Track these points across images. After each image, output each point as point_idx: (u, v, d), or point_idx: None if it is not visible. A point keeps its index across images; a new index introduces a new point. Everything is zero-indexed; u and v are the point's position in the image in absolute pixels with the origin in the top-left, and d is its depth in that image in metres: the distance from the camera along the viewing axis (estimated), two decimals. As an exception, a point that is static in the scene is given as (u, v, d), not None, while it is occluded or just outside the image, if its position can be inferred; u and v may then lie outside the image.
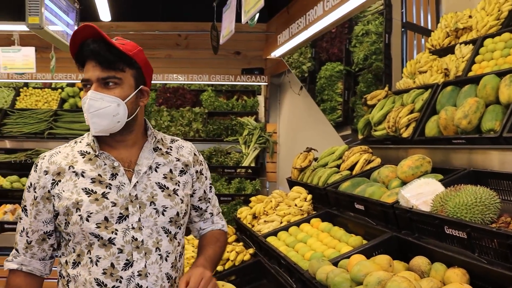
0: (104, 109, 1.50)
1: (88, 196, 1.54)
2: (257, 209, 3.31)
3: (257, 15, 2.85)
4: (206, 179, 1.82)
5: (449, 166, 2.60)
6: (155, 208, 1.58)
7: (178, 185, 1.66)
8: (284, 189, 3.72)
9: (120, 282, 1.53)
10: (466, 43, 3.32)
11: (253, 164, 5.52)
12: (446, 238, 1.84)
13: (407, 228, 2.12)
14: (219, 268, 2.85)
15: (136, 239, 1.55)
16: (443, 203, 1.86)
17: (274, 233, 2.83)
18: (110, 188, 1.56)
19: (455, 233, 1.76)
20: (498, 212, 1.84)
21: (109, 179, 1.57)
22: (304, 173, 3.42)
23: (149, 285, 1.55)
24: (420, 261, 1.83)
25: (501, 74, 2.58)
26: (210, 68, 6.10)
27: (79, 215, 1.53)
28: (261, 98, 6.05)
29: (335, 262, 2.01)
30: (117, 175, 1.58)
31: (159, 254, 1.58)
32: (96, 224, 1.53)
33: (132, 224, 1.55)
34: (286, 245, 2.60)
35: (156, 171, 1.64)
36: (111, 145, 1.62)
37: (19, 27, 4.10)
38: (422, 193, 2.03)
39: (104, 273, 1.53)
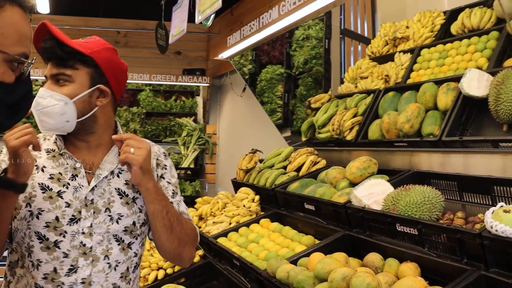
0: (51, 107, 1.44)
1: (43, 192, 1.48)
2: (204, 210, 3.31)
3: (213, 15, 2.86)
4: (168, 184, 1.61)
5: (391, 167, 2.74)
6: (109, 215, 1.50)
7: (139, 193, 1.55)
8: (225, 190, 3.73)
9: (67, 287, 1.45)
10: (404, 51, 3.51)
11: (192, 166, 5.48)
12: (397, 235, 1.94)
13: (358, 226, 2.21)
14: (169, 270, 2.82)
15: (85, 245, 1.47)
16: (395, 202, 1.97)
17: (224, 234, 2.84)
18: (67, 188, 1.49)
19: (406, 229, 1.86)
20: (443, 210, 1.97)
21: (69, 179, 1.51)
22: (250, 174, 3.46)
23: None
24: (374, 257, 1.92)
25: (438, 82, 2.77)
26: (151, 67, 5.99)
27: (29, 211, 1.46)
28: (199, 99, 6.03)
29: (293, 261, 2.06)
30: (77, 176, 1.52)
31: (108, 263, 1.49)
32: (46, 222, 1.45)
33: (82, 229, 1.47)
34: (238, 246, 2.62)
35: (118, 176, 1.56)
36: (75, 146, 1.56)
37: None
38: (373, 193, 2.13)
39: (45, 278, 1.45)
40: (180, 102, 6.26)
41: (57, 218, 1.46)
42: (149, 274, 2.80)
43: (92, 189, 1.51)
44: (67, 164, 1.53)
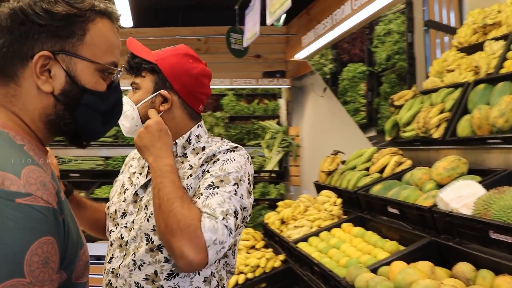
0: (126, 112, 1.55)
1: (119, 188, 1.69)
2: (285, 214, 3.26)
3: (284, 16, 2.81)
4: (210, 176, 1.45)
5: (484, 167, 2.52)
6: (146, 213, 1.52)
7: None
8: (309, 192, 3.66)
9: (105, 273, 1.58)
10: (496, 39, 3.22)
11: (276, 168, 5.47)
12: (491, 243, 1.76)
13: (446, 232, 2.05)
14: (249, 275, 2.81)
15: (123, 238, 1.56)
16: (487, 206, 1.79)
17: (305, 238, 2.78)
18: (131, 185, 1.64)
19: (502, 237, 1.68)
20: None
21: (135, 177, 1.66)
22: (332, 177, 3.36)
23: (118, 286, 1.51)
24: (464, 267, 1.75)
25: (537, 70, 2.50)
26: (231, 72, 6.08)
27: (109, 204, 1.71)
28: (282, 101, 6.00)
29: (373, 269, 1.95)
30: (140, 175, 1.65)
31: (133, 260, 1.49)
32: (110, 214, 1.65)
33: (126, 223, 1.57)
34: (319, 251, 2.54)
35: None
36: None
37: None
38: (462, 196, 1.96)
39: (103, 262, 1.64)
40: (263, 105, 6.27)
41: (115, 211, 1.63)
42: (229, 279, 2.80)
43: (145, 187, 1.58)
44: (142, 164, 1.67)
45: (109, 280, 1.53)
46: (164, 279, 1.44)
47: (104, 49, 1.05)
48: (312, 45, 3.55)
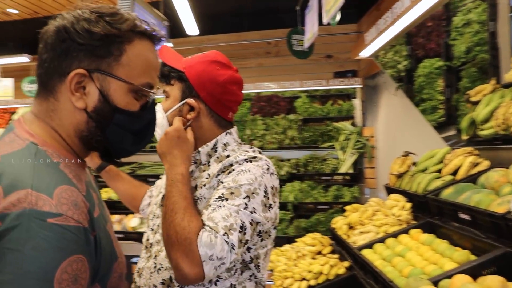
0: (158, 120, 1.53)
1: (156, 192, 1.75)
2: (353, 218, 3.13)
3: (339, 14, 2.70)
4: (222, 188, 1.39)
5: None
6: None
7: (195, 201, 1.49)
8: (384, 196, 3.49)
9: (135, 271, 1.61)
10: None
11: (350, 170, 5.30)
12: None
13: (522, 242, 1.83)
14: (312, 282, 2.72)
15: (148, 240, 1.60)
16: None
17: (370, 245, 2.64)
18: (163, 189, 1.62)
19: None
20: None
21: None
22: (402, 179, 3.18)
23: (140, 286, 1.54)
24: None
25: None
26: (302, 74, 6.00)
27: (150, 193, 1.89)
28: (357, 101, 5.81)
29: (435, 281, 1.79)
30: None
31: (154, 263, 1.51)
32: (148, 215, 1.72)
33: (153, 226, 1.60)
34: (383, 259, 2.40)
35: (195, 187, 1.55)
36: None
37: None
38: (539, 202, 1.74)
39: None
40: (337, 105, 6.12)
41: (148, 214, 1.70)
42: (291, 285, 2.73)
43: None
44: None
45: (134, 278, 1.58)
46: (178, 286, 1.42)
47: (140, 70, 1.05)
48: (374, 42, 3.37)
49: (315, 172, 5.42)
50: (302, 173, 5.48)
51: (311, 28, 3.43)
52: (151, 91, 1.10)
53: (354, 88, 5.71)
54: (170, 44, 4.54)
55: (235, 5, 5.99)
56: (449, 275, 1.80)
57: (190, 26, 4.39)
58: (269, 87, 5.67)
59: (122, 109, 1.04)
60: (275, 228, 1.50)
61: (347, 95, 6.04)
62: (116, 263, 1.07)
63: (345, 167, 5.34)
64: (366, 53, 3.73)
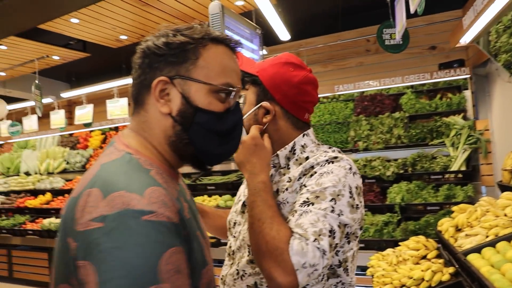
0: None
1: (236, 199, 1.72)
2: (460, 220, 2.86)
3: (424, 2, 2.49)
4: (306, 191, 1.36)
5: None
6: None
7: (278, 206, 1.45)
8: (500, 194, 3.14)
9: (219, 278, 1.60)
10: None
11: (463, 168, 4.87)
12: None
13: None
14: (413, 290, 2.52)
15: (231, 247, 1.60)
16: None
17: (478, 249, 2.38)
18: (243, 196, 1.63)
19: None
20: None
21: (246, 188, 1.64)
22: (517, 175, 2.84)
23: None
24: None
25: None
26: (405, 69, 5.69)
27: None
28: (468, 93, 5.35)
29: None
30: None
31: (237, 269, 1.51)
32: (227, 223, 1.69)
33: (234, 233, 1.60)
34: (491, 265, 2.14)
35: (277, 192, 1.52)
36: None
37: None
38: None
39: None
40: (446, 99, 5.70)
41: (229, 222, 1.66)
42: (390, 293, 2.56)
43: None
44: None
45: (219, 286, 1.57)
46: None
47: (217, 71, 1.11)
48: (474, 26, 3.05)
49: (424, 171, 5.07)
50: (409, 173, 5.16)
51: (400, 19, 3.22)
52: (233, 89, 1.13)
53: (465, 78, 5.27)
54: (264, 52, 4.57)
55: (327, 7, 5.89)
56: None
57: (281, 32, 4.39)
58: (370, 86, 5.45)
59: (204, 109, 1.09)
60: (361, 229, 1.44)
61: (457, 87, 5.59)
62: (204, 269, 1.09)
63: (457, 164, 4.93)
64: (466, 39, 3.40)
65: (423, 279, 2.52)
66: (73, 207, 0.94)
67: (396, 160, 5.40)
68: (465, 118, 5.28)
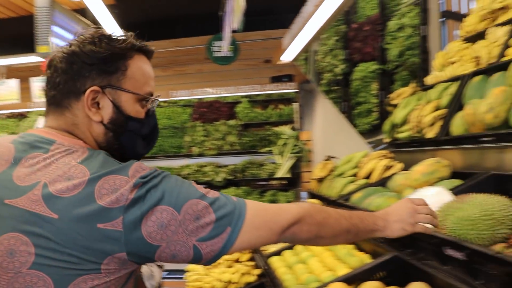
0: None
1: None
2: (272, 225, 3.03)
3: (243, 20, 2.63)
4: None
5: (478, 169, 2.21)
6: None
7: None
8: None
9: None
10: (502, 24, 2.88)
11: (288, 175, 5.23)
12: (448, 261, 1.49)
13: (412, 247, 1.77)
14: (221, 292, 2.60)
15: None
16: (444, 217, 1.51)
17: (280, 251, 2.55)
18: None
19: (455, 255, 1.41)
20: (517, 226, 1.47)
21: None
22: (323, 184, 3.11)
23: None
24: (418, 287, 1.49)
25: (534, 57, 2.17)
26: (242, 79, 5.92)
27: None
28: (296, 106, 5.77)
29: (319, 290, 1.71)
30: None
31: None
32: None
33: None
34: (287, 266, 2.31)
35: None
36: None
37: (30, 59, 4.34)
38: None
39: None
40: (278, 110, 6.06)
41: None
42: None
43: None
44: None
45: None
46: None
47: (142, 81, 1.20)
48: (291, 47, 3.30)
49: (252, 178, 5.33)
50: (239, 178, 5.37)
51: (228, 33, 3.34)
52: (155, 98, 1.24)
53: (295, 92, 5.66)
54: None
55: (168, 11, 5.87)
56: (329, 282, 1.72)
57: (116, 32, 4.23)
58: (206, 93, 5.56)
59: (134, 117, 1.18)
60: None
61: (288, 100, 5.99)
62: None
63: (282, 171, 5.27)
64: (287, 57, 3.65)
65: (230, 281, 2.61)
66: (85, 198, 1.00)
67: (227, 166, 5.58)
68: (293, 129, 5.67)
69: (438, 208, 1.60)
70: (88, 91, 1.12)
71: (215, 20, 5.63)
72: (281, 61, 3.86)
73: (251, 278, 2.61)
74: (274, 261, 2.41)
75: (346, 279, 1.72)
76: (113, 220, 0.98)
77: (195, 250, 1.05)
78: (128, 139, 1.19)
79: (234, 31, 3.67)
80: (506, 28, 2.79)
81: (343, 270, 1.91)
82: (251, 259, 3.05)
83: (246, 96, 6.09)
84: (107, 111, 1.15)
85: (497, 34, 2.81)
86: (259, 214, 1.14)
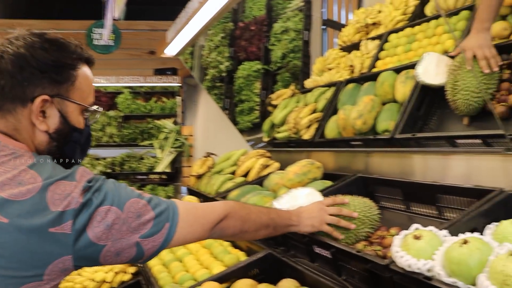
0: None
1: None
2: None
3: (124, 9, 2.54)
4: None
5: (348, 171, 2.37)
6: None
7: None
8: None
9: None
10: (373, 38, 3.13)
11: (168, 170, 5.16)
12: (317, 258, 1.57)
13: (284, 244, 1.85)
14: (92, 292, 2.49)
15: None
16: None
17: (157, 249, 2.50)
18: None
19: (323, 252, 1.49)
20: (378, 225, 1.60)
21: None
22: (202, 180, 3.11)
23: None
24: (287, 284, 1.55)
25: (399, 70, 2.38)
26: (126, 69, 5.71)
27: None
28: (179, 100, 5.71)
29: (193, 289, 1.71)
30: None
31: None
32: None
33: None
34: (163, 264, 2.27)
35: None
36: None
37: None
38: (297, 206, 1.76)
39: None
40: (161, 103, 5.94)
41: None
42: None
43: None
44: None
45: None
46: None
47: (87, 92, 1.19)
48: (174, 41, 3.26)
49: (131, 171, 5.17)
50: (117, 172, 5.18)
51: (109, 21, 3.20)
52: (98, 109, 1.25)
53: (179, 86, 5.59)
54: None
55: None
56: (202, 281, 1.73)
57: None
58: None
59: (78, 127, 1.18)
60: None
61: (172, 93, 5.91)
62: None
63: (162, 166, 5.19)
64: (170, 51, 3.58)
65: (104, 281, 2.51)
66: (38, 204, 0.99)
67: (105, 159, 5.35)
68: (175, 123, 5.60)
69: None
70: (38, 100, 1.09)
71: (98, 4, 5.37)
72: (163, 55, 3.78)
73: (126, 277, 2.53)
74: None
75: (220, 278, 1.74)
76: (63, 223, 1.00)
77: (138, 247, 1.09)
78: (71, 149, 1.19)
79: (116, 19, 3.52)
80: (376, 42, 3.03)
81: (218, 268, 1.92)
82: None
83: (128, 87, 5.89)
84: (53, 120, 1.13)
85: (369, 47, 3.04)
86: (191, 211, 1.21)
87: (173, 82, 5.15)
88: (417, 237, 1.08)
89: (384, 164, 2.11)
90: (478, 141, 1.71)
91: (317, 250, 1.52)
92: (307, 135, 2.76)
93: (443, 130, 2.04)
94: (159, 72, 5.39)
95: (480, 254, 0.95)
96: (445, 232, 1.12)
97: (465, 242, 0.97)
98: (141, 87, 5.91)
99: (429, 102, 2.12)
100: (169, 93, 5.91)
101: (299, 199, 1.78)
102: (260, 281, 1.75)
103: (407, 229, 1.47)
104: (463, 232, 1.15)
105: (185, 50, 3.74)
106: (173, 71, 5.38)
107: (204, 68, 5.55)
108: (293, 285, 1.53)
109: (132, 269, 2.58)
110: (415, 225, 1.17)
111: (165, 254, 2.37)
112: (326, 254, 1.47)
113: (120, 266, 2.60)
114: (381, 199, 1.92)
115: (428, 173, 1.85)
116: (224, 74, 5.35)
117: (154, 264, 2.25)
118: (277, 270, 1.80)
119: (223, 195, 2.57)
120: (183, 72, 5.42)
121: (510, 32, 2.08)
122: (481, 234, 1.11)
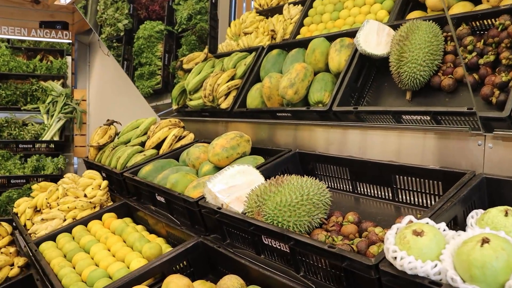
0: None
1: None
2: (39, 200, 2.53)
3: None
4: None
5: (274, 145, 2.16)
6: None
7: None
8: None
9: None
10: (295, 3, 2.92)
11: (56, 138, 4.58)
12: (265, 250, 1.35)
13: (217, 231, 1.60)
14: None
15: None
16: (260, 202, 1.36)
17: (53, 236, 2.11)
18: None
19: (276, 244, 1.27)
20: (329, 210, 1.41)
21: None
22: (103, 152, 2.73)
23: None
24: (230, 283, 1.31)
25: (331, 37, 2.20)
26: (4, 19, 4.91)
27: None
28: (69, 60, 5.07)
29: (112, 291, 1.40)
30: None
31: None
32: None
33: None
34: (64, 256, 1.90)
35: None
36: None
37: None
38: (235, 186, 1.51)
39: None
40: (47, 62, 5.24)
41: None
42: None
43: None
44: None
45: None
46: None
47: None
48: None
49: (12, 140, 4.51)
50: (-5, 140, 4.50)
51: None
52: None
53: (69, 44, 4.96)
54: None
55: None
56: (125, 283, 1.42)
57: None
58: None
59: None
60: None
61: (60, 51, 5.23)
62: None
63: (50, 134, 4.61)
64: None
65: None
66: None
67: (-21, 124, 4.62)
68: (64, 85, 4.99)
69: (251, 190, 1.44)
70: None
71: None
72: (57, 2, 3.23)
73: (13, 271, 2.11)
74: (47, 249, 1.97)
75: (141, 275, 1.44)
76: None
77: None
78: None
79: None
80: (299, 7, 2.83)
81: (138, 261, 1.62)
82: (12, 243, 2.51)
83: (6, 40, 5.10)
84: None
85: (292, 12, 2.83)
86: None
87: (63, 39, 4.53)
88: (418, 233, 0.90)
89: (319, 139, 1.93)
90: (427, 117, 1.59)
91: (267, 241, 1.29)
92: (225, 104, 2.51)
93: (382, 104, 1.90)
94: (47, 25, 4.71)
95: (507, 255, 0.78)
96: (443, 225, 0.95)
97: (486, 240, 0.80)
98: (23, 41, 5.15)
99: (367, 73, 1.97)
100: (58, 51, 5.22)
101: (236, 178, 1.53)
102: (189, 275, 1.50)
103: (359, 212, 1.30)
104: (445, 222, 1.00)
105: (80, 1, 3.23)
106: (64, 25, 4.74)
107: (100, 25, 4.98)
108: (238, 282, 1.30)
109: (21, 262, 2.17)
110: (408, 217, 0.98)
111: (65, 241, 1.99)
112: (280, 247, 1.24)
113: (6, 259, 2.17)
114: (322, 178, 1.74)
115: (368, 150, 1.71)
116: (122, 34, 4.85)
117: (53, 256, 1.88)
118: (209, 262, 1.56)
119: (132, 170, 2.23)
120: (76, 28, 4.80)
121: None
122: (464, 223, 0.97)
